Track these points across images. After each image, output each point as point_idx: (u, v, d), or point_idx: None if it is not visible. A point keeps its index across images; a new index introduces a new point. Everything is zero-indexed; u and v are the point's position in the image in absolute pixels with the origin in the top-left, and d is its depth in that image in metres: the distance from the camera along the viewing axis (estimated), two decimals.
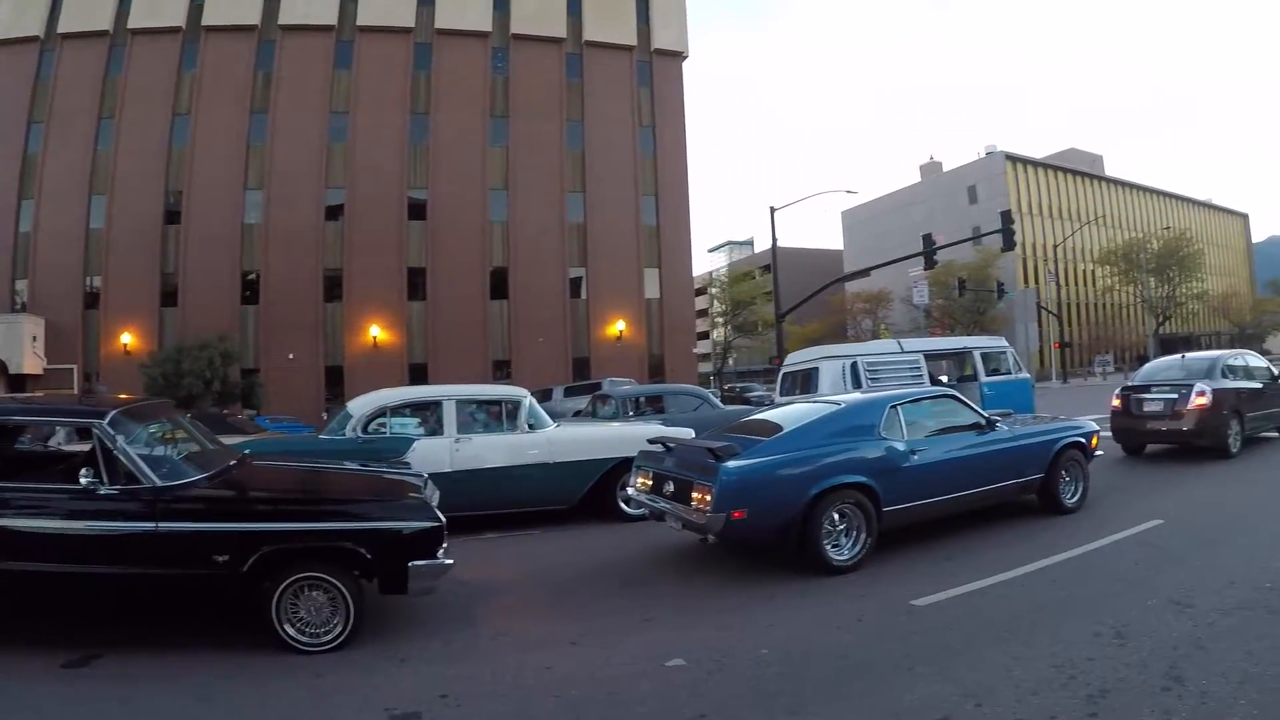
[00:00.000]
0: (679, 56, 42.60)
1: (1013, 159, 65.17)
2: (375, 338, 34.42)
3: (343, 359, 34.36)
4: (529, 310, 36.57)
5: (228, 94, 34.98)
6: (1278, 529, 6.52)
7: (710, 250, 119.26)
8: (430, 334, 35.35)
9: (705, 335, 68.61)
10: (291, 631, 4.45)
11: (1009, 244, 24.53)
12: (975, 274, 51.79)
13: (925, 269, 24.79)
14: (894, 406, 6.66)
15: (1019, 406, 12.51)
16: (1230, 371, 11.43)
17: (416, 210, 36.33)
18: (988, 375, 14.00)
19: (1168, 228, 62.83)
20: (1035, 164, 67.46)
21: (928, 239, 26.11)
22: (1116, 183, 75.97)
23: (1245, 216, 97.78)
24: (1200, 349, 78.31)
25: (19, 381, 29.96)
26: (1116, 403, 11.84)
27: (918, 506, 6.35)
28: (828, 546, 5.88)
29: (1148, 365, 13.20)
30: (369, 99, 35.94)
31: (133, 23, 35.43)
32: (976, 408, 7.30)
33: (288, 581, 4.44)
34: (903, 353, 13.51)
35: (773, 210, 31.18)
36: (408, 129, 36.70)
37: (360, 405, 8.55)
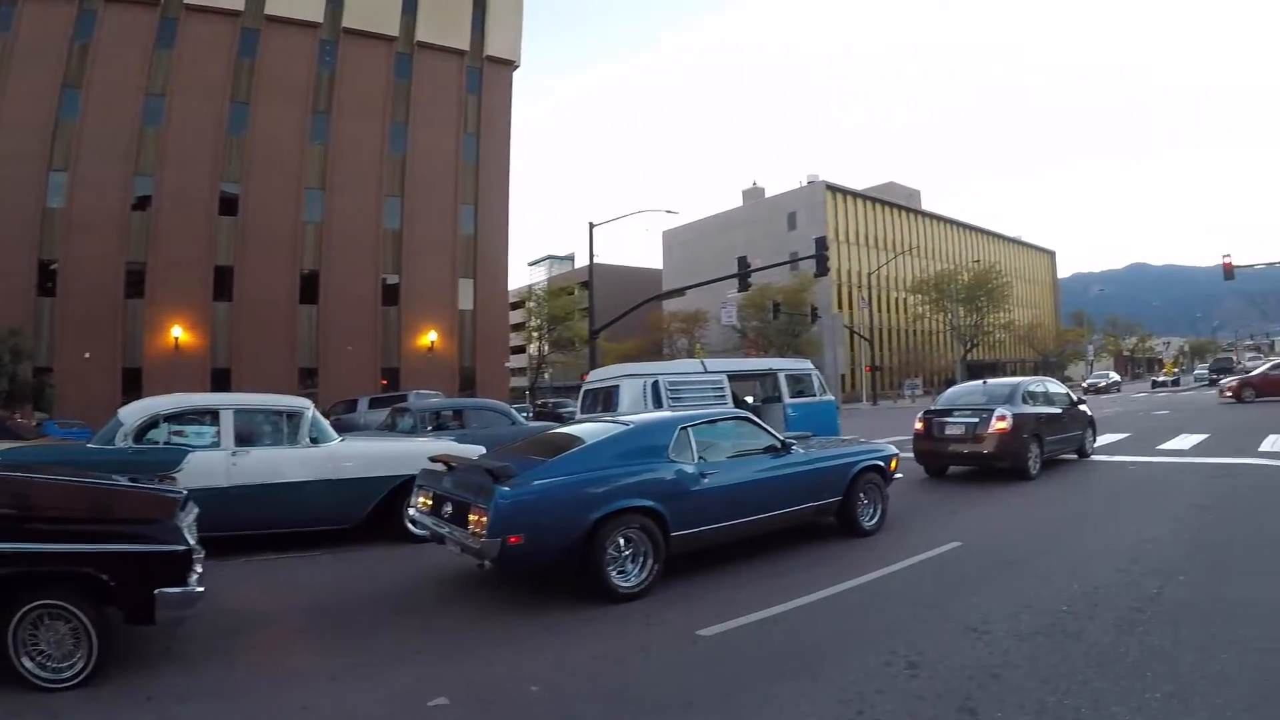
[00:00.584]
0: (510, 65, 46.35)
1: (833, 189, 72.47)
2: (177, 339, 36.16)
3: (142, 360, 35.51)
4: (339, 317, 39.49)
5: (38, 63, 34.49)
6: (1074, 551, 7.03)
7: (531, 264, 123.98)
8: (235, 337, 37.45)
9: (521, 349, 73.39)
10: (30, 665, 4.25)
11: (823, 270, 27.74)
12: (791, 298, 58.15)
13: (740, 290, 28.02)
14: (684, 428, 6.83)
15: (823, 428, 13.75)
16: (1030, 397, 12.68)
17: (228, 205, 38.04)
18: (793, 397, 14.86)
19: (977, 260, 69.51)
20: (854, 194, 74.92)
21: (742, 261, 29.47)
22: (933, 217, 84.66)
23: (1052, 254, 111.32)
24: (1005, 375, 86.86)
25: None
26: (919, 426, 12.87)
27: (709, 531, 6.58)
28: (613, 573, 5.97)
29: (951, 390, 14.32)
30: (188, 83, 36.95)
31: None
32: (771, 430, 7.66)
33: (24, 610, 4.23)
34: (706, 373, 13.98)
35: (591, 226, 33.61)
36: (226, 118, 38.12)
37: (131, 413, 8.23)
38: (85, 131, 35.16)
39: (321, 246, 39.39)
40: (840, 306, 68.92)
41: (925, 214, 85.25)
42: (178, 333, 35.95)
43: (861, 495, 8.06)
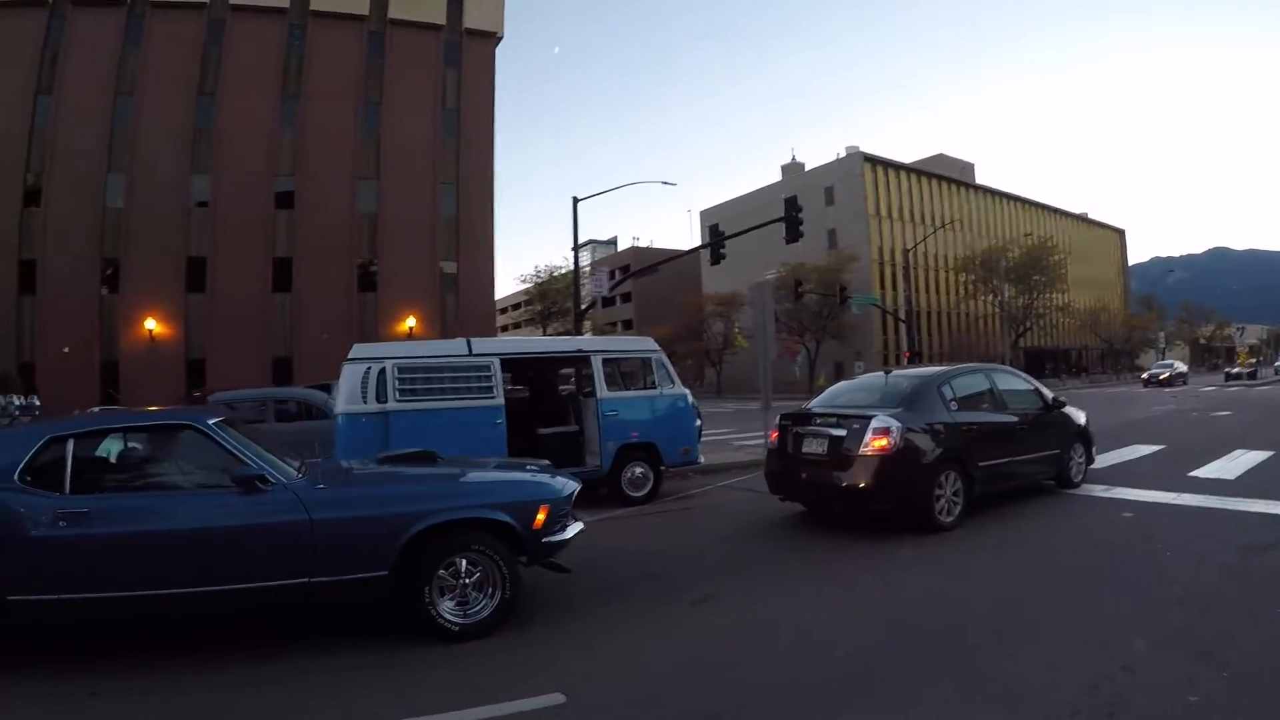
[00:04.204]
0: (492, 37, 47.61)
1: (871, 160, 71.76)
2: (152, 331, 39.12)
3: (119, 354, 38.84)
4: (314, 304, 41.72)
5: (13, 70, 38.17)
6: None
7: (573, 249, 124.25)
8: (209, 328, 40.09)
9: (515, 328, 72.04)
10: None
11: (794, 235, 24.89)
12: (825, 278, 57.08)
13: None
14: (59, 439, 5.31)
15: (665, 433, 11.87)
16: (955, 398, 9.31)
17: (200, 196, 40.97)
18: (617, 389, 11.99)
19: (1028, 234, 67.78)
20: (896, 167, 72.86)
21: (714, 229, 29.75)
22: (985, 190, 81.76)
23: (1121, 232, 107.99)
24: (1066, 362, 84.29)
25: None
26: (772, 435, 9.97)
27: (78, 600, 5.03)
28: None
29: (839, 385, 11.14)
30: (155, 77, 39.88)
31: None
32: (246, 451, 5.50)
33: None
34: (470, 355, 11.15)
35: (575, 201, 33.75)
36: (194, 110, 40.88)
37: None
38: (58, 136, 38.67)
39: (295, 233, 41.69)
40: (881, 287, 68.51)
41: (976, 187, 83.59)
42: (152, 325, 38.86)
43: (443, 571, 5.64)
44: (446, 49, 45.71)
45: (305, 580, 5.25)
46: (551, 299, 61.61)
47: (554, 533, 6.00)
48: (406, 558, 5.45)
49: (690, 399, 12.57)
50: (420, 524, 5.48)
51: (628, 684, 4.69)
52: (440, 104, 45.23)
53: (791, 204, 24.66)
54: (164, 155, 39.56)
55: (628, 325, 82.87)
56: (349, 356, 10.78)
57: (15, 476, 5.03)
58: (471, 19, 46.25)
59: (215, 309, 39.87)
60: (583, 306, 33.22)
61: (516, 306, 70.65)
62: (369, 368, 10.52)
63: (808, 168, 79.21)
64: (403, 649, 5.34)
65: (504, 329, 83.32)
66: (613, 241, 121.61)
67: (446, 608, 5.59)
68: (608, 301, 58.59)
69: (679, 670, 4.85)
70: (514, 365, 12.30)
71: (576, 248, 36.45)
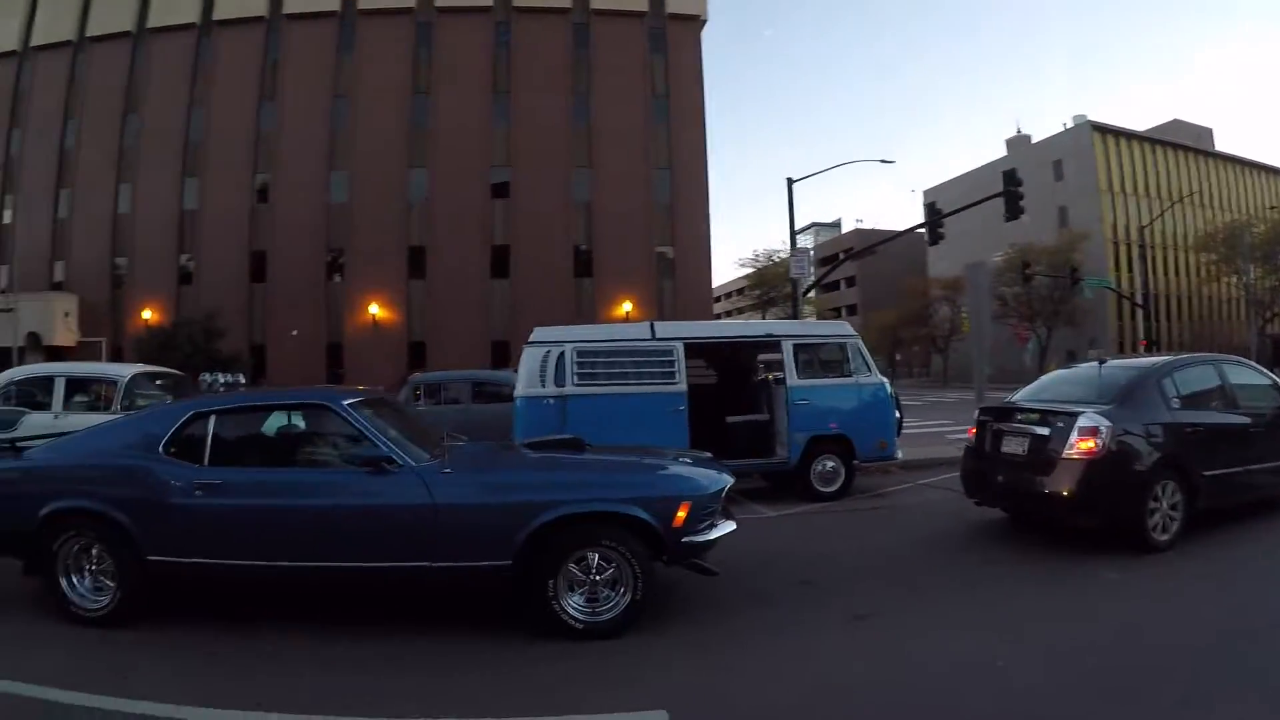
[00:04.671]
0: (696, 20, 46.84)
1: (1101, 129, 66.23)
2: (375, 316, 40.73)
3: (343, 336, 41.06)
4: (532, 289, 41.48)
5: (237, 86, 42.42)
6: None
7: (797, 232, 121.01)
8: (429, 313, 41.29)
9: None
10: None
11: (1014, 212, 22.72)
12: (1055, 259, 52.77)
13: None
14: (202, 415, 5.66)
15: (861, 424, 11.01)
16: (1178, 392, 7.90)
17: (419, 190, 42.43)
18: (809, 376, 11.16)
19: (1273, 206, 60.61)
20: (1128, 136, 66.98)
21: (930, 208, 27.06)
22: (1226, 159, 73.94)
23: None
24: None
25: (54, 352, 37.84)
26: (970, 431, 8.99)
27: (209, 565, 5.37)
28: (68, 582, 5.54)
29: (1049, 375, 10.14)
30: (369, 80, 42.31)
31: (152, 22, 44.09)
32: (374, 433, 5.51)
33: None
34: (652, 339, 10.81)
35: (790, 182, 32.60)
36: (409, 110, 42.66)
37: None
38: (283, 138, 41.93)
39: (511, 222, 42.25)
40: (1115, 269, 62.98)
41: (1216, 155, 75.13)
42: (375, 310, 40.44)
43: (574, 567, 5.30)
44: (651, 36, 45.29)
45: (426, 564, 5.23)
46: (770, 284, 60.09)
47: (697, 532, 5.46)
48: (532, 548, 5.22)
49: (889, 388, 11.64)
50: (547, 515, 5.21)
51: (742, 710, 4.21)
52: (649, 90, 44.77)
53: (1010, 178, 22.56)
54: (382, 152, 41.48)
55: (851, 310, 79.72)
56: (529, 339, 10.77)
57: (160, 448, 5.48)
58: (674, 4, 45.70)
59: (435, 295, 40.85)
60: (801, 291, 31.44)
61: (740, 291, 69.31)
62: (548, 351, 10.51)
63: (1034, 140, 73.63)
64: (518, 643, 5.14)
65: (725, 315, 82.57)
66: (836, 224, 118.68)
67: (572, 603, 5.27)
68: (830, 286, 56.75)
69: (805, 702, 4.28)
70: (701, 350, 11.82)
71: (793, 230, 34.85)
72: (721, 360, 12.94)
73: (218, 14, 43.22)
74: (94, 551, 5.49)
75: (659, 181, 44.16)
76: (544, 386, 10.26)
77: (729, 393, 12.37)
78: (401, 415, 6.43)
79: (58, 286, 42.12)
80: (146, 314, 40.27)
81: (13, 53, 45.93)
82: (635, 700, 4.20)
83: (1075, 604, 5.85)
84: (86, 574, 5.54)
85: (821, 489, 10.73)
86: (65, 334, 39.55)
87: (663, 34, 45.34)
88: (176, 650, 5.03)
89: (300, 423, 6.16)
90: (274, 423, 6.18)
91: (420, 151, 42.16)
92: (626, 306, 42.00)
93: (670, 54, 45.26)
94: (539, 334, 10.82)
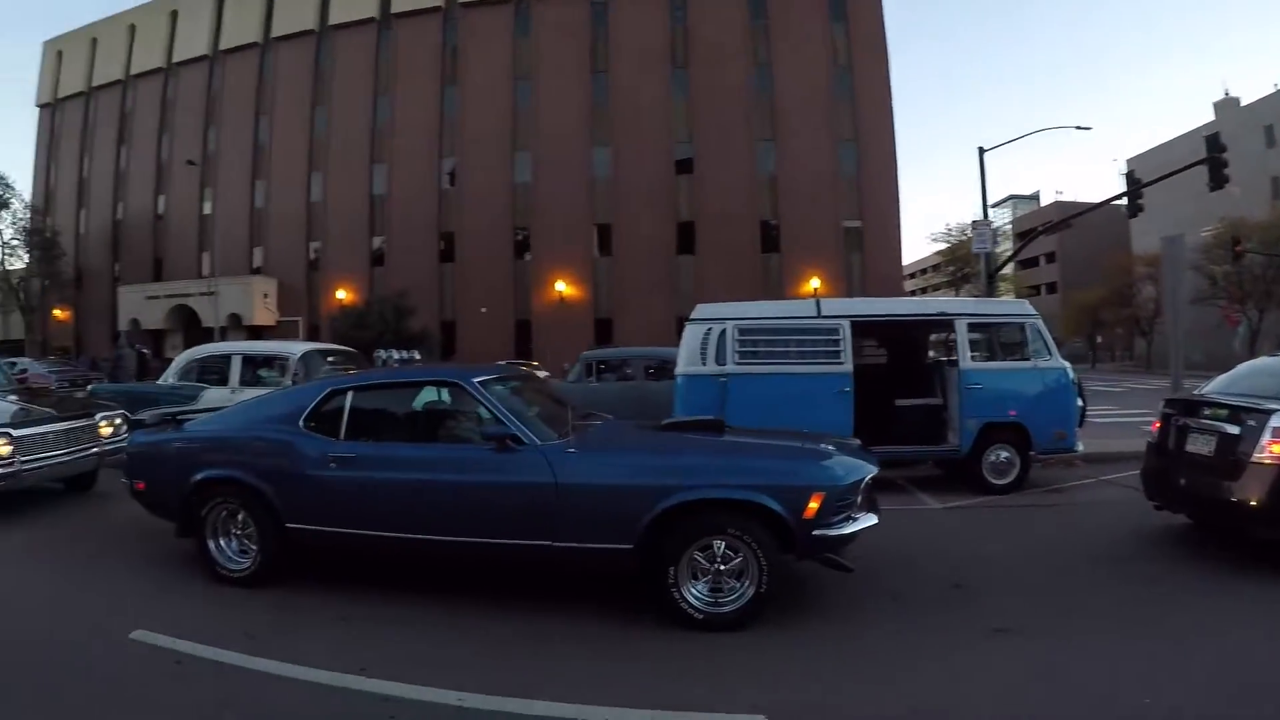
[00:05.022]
0: None
1: None
2: (561, 293, 40.77)
3: (530, 313, 41.26)
4: (718, 265, 40.71)
5: (420, 75, 43.87)
6: None
7: (993, 205, 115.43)
8: (616, 289, 41.07)
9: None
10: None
11: (1218, 181, 20.65)
12: (1267, 234, 47.29)
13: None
14: (338, 391, 5.91)
15: (1039, 412, 10.07)
16: None
17: (602, 167, 42.35)
18: (984, 359, 10.44)
19: None
20: None
21: (1129, 177, 25.44)
22: None
23: None
24: None
25: (255, 331, 40.03)
26: (1154, 427, 8.06)
27: (341, 534, 5.61)
28: (215, 544, 5.89)
29: (1247, 364, 8.63)
30: (548, 62, 42.98)
31: (334, 19, 46.26)
32: (502, 410, 5.45)
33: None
34: (818, 317, 10.24)
35: (981, 151, 30.82)
36: (589, 89, 42.97)
37: (177, 359, 12.13)
38: (466, 122, 42.85)
39: (696, 197, 41.56)
40: None
41: None
42: (561, 287, 40.39)
43: (698, 555, 4.95)
44: (831, 5, 43.77)
45: (548, 544, 5.13)
46: (964, 260, 57.45)
47: (830, 525, 4.95)
48: (654, 533, 4.96)
49: (1071, 374, 10.48)
50: (668, 499, 4.93)
51: None
52: (831, 60, 43.25)
53: (1212, 143, 20.55)
54: (564, 132, 41.64)
55: (1051, 288, 75.91)
56: (691, 316, 10.42)
57: (300, 422, 5.72)
58: None
59: (621, 271, 40.59)
60: (994, 267, 29.36)
61: (936, 268, 66.71)
62: (709, 328, 10.12)
63: (1243, 103, 68.32)
64: (636, 629, 4.90)
65: (918, 292, 79.94)
66: (1034, 196, 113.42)
67: (693, 592, 4.96)
68: (1029, 262, 53.93)
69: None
70: (870, 329, 11.01)
71: (985, 203, 32.79)
72: (892, 340, 11.97)
73: (396, 7, 44.61)
74: (240, 517, 5.80)
75: (845, 153, 42.62)
76: (704, 365, 9.96)
77: (900, 374, 11.48)
78: (538, 394, 6.51)
79: (257, 271, 44.34)
80: (341, 294, 41.53)
81: (203, 57, 48.94)
82: (737, 699, 3.91)
83: (1264, 635, 4.79)
84: (233, 538, 5.88)
85: (993, 481, 9.88)
86: (264, 314, 41.52)
87: (843, 2, 43.83)
88: (311, 612, 5.26)
89: (432, 399, 6.26)
90: (408, 399, 6.28)
91: (602, 130, 42.15)
92: (814, 283, 40.59)
93: (851, 22, 43.68)
94: (700, 310, 10.47)
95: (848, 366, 9.78)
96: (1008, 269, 39.62)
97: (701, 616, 4.86)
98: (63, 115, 55.12)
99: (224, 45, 48.51)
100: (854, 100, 42.91)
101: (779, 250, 41.91)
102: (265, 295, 42.55)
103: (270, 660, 4.37)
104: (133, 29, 52.23)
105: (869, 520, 5.18)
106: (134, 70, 51.80)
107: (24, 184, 53.50)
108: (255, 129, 46.65)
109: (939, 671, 4.26)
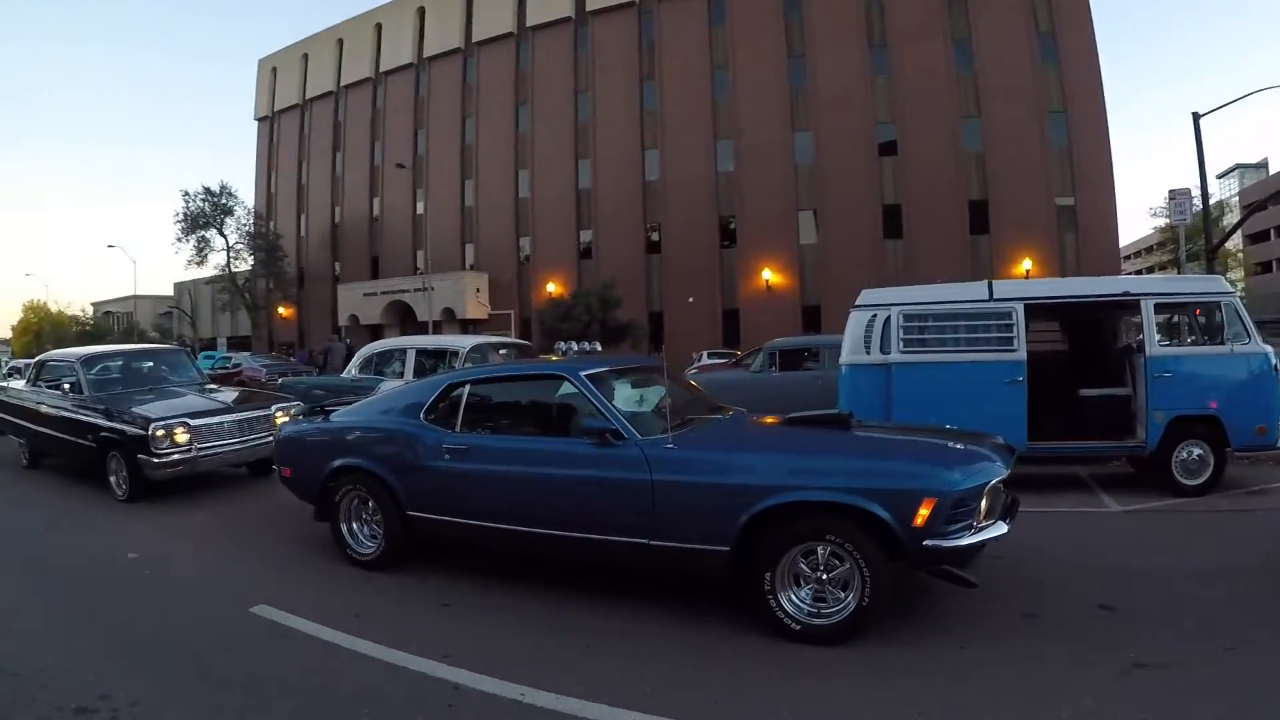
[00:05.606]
0: None
1: None
2: (767, 281, 41.03)
3: (738, 302, 41.65)
4: (926, 249, 39.84)
5: (618, 70, 45.18)
6: None
7: (1219, 176, 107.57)
8: (823, 276, 40.60)
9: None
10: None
11: None
12: None
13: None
14: (456, 385, 6.26)
15: (1239, 401, 8.98)
16: None
17: (804, 153, 42.10)
18: (1174, 343, 9.65)
19: None
20: None
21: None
22: None
23: None
24: None
25: (467, 325, 42.87)
26: None
27: (453, 523, 5.91)
28: (348, 528, 6.51)
29: None
30: (743, 49, 42.89)
31: (531, 20, 48.14)
32: (605, 405, 5.50)
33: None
34: (989, 300, 9.56)
35: (1196, 117, 29.08)
36: (787, 74, 42.60)
37: (359, 353, 13.25)
38: (666, 112, 43.71)
39: (901, 179, 40.76)
40: None
41: None
42: (768, 275, 40.66)
43: (803, 562, 4.72)
44: None
45: (644, 542, 5.09)
46: (1188, 236, 54.43)
47: (945, 535, 4.49)
48: (752, 536, 4.76)
49: (1273, 359, 9.12)
50: (764, 501, 4.69)
51: None
52: (1033, 28, 41.30)
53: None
54: (765, 118, 41.72)
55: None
56: (856, 302, 10.00)
57: (421, 414, 6.13)
58: None
59: (828, 258, 40.13)
60: (1214, 242, 27.67)
61: (1161, 245, 63.11)
62: (874, 315, 9.65)
63: None
64: (734, 640, 4.69)
65: (1137, 273, 76.34)
66: (1262, 164, 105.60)
67: (791, 601, 4.71)
68: (1260, 235, 50.26)
69: None
70: (1048, 312, 10.20)
71: (1203, 173, 30.78)
72: (1075, 324, 11.06)
73: (591, 4, 45.90)
74: (370, 505, 6.30)
75: (1054, 126, 40.79)
76: (868, 354, 9.54)
77: (1084, 362, 10.60)
78: (665, 387, 6.14)
79: (470, 267, 46.95)
80: (550, 287, 43.30)
81: (409, 65, 52.00)
82: None
83: None
84: (364, 523, 6.43)
85: (1183, 480, 8.88)
86: (477, 308, 44.07)
87: None
88: (417, 597, 5.68)
89: (544, 393, 6.24)
90: (521, 392, 6.44)
91: (802, 114, 41.88)
92: (1026, 264, 39.26)
93: None
94: (866, 296, 10.00)
95: (1021, 354, 9.13)
96: (1233, 242, 36.85)
97: (798, 627, 4.63)
98: (279, 127, 59.76)
99: (428, 53, 51.37)
100: (1060, 69, 41.01)
101: (988, 231, 40.61)
102: (477, 290, 45.09)
103: (365, 641, 4.72)
104: (340, 43, 55.92)
105: (995, 530, 4.72)
106: (344, 81, 55.55)
107: (246, 193, 58.19)
108: (462, 131, 49.33)
109: (1051, 712, 3.68)
